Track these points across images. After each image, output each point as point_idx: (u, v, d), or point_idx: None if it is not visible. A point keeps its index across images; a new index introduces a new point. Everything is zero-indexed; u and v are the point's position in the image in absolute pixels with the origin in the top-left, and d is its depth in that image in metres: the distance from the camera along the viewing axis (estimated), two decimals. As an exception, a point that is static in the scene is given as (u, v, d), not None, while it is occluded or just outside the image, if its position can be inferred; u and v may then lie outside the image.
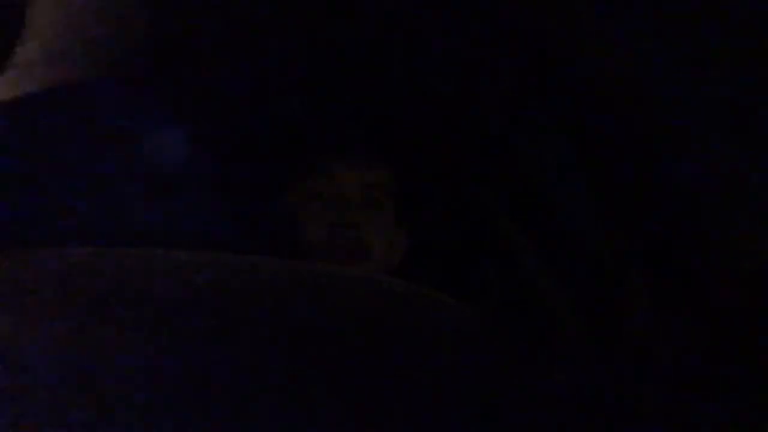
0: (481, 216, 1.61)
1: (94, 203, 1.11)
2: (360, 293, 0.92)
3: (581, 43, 1.15)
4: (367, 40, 1.44)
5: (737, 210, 1.07)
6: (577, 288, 1.41)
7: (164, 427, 0.72)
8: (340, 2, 1.36)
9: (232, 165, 1.47)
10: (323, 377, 0.79)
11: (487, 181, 1.57)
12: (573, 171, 1.47)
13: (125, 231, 1.09)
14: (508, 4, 1.22)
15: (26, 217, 1.06)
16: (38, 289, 0.80)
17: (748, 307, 1.04)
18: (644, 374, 1.08)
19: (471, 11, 1.34)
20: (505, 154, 1.56)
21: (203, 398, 0.75)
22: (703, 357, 1.07)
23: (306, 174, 1.55)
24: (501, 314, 1.50)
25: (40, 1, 1.19)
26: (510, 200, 1.56)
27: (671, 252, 1.11)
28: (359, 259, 1.48)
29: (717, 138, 1.07)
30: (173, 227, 1.24)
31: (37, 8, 1.20)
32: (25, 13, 1.14)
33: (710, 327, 1.07)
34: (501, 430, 0.89)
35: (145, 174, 1.28)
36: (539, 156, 1.56)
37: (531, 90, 1.53)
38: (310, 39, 1.42)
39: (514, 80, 1.51)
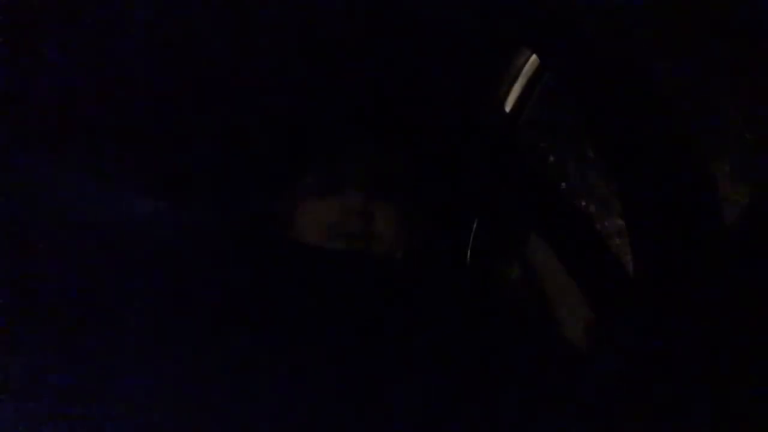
0: (490, 209, 1.62)
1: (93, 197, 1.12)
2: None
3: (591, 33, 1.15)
4: (373, 35, 1.45)
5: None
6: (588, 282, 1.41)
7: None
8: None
9: (235, 156, 1.48)
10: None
11: (495, 174, 1.57)
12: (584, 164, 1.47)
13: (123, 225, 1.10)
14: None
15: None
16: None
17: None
18: (645, 369, 1.09)
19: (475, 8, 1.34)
20: (512, 149, 1.56)
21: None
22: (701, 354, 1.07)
23: (313, 163, 1.55)
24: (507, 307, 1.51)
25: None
26: (519, 195, 1.56)
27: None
28: (363, 246, 1.49)
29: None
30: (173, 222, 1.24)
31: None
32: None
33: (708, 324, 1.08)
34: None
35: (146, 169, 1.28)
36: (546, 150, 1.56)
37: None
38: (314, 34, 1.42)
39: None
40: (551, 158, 1.65)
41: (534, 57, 1.59)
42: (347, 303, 1.01)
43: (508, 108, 1.61)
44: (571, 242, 1.40)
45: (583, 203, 1.60)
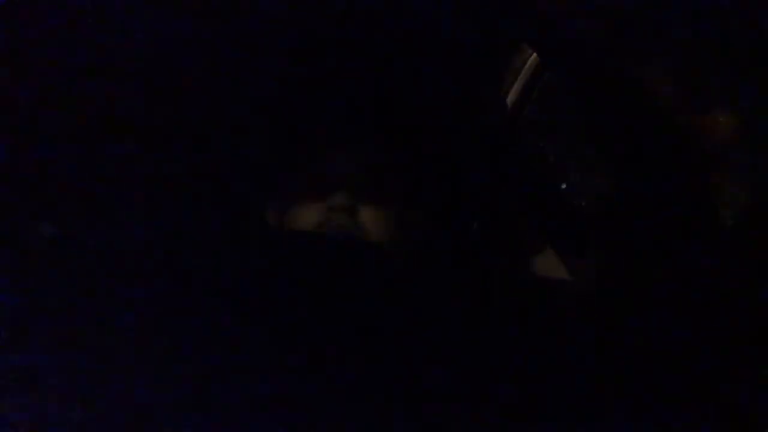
0: (488, 205, 1.61)
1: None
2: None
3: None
4: (369, 33, 1.45)
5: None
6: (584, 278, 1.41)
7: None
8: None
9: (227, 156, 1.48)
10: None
11: (495, 174, 1.57)
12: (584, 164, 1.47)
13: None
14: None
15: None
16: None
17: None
18: (645, 364, 1.09)
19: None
20: (510, 145, 1.56)
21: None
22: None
23: (304, 158, 1.55)
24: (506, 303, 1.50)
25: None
26: (517, 189, 1.56)
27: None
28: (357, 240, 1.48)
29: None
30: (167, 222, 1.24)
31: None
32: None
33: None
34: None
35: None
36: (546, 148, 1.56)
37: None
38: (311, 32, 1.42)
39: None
40: (551, 158, 1.65)
41: (534, 56, 1.59)
42: (347, 303, 1.02)
43: (508, 108, 1.61)
44: (571, 242, 1.40)
45: (583, 203, 1.60)
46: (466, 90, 1.55)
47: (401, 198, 1.55)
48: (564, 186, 1.62)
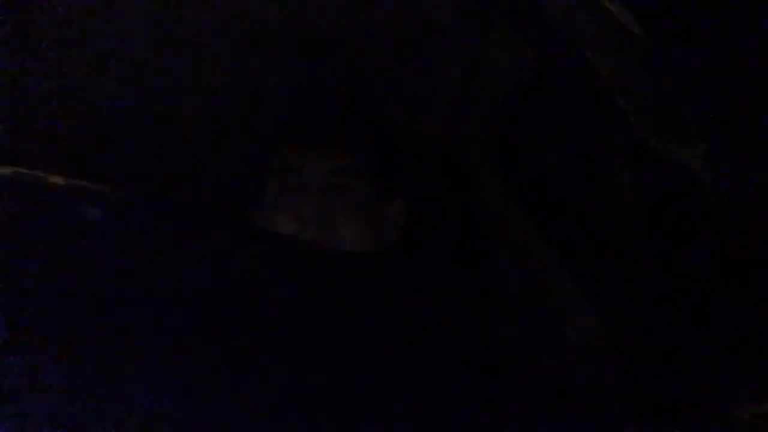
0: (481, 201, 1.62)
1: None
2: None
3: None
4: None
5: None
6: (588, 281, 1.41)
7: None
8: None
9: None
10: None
11: (494, 173, 1.57)
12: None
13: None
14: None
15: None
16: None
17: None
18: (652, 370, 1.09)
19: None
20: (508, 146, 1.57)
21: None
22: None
23: (272, 170, 1.55)
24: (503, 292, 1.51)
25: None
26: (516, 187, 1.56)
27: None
28: (331, 246, 1.47)
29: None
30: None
31: None
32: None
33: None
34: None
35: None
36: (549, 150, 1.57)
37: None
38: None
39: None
40: (551, 158, 1.65)
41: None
42: (345, 304, 1.02)
43: (507, 106, 1.61)
44: (571, 242, 1.40)
45: (583, 203, 1.60)
46: (464, 89, 1.55)
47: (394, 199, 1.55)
48: (564, 185, 1.62)
